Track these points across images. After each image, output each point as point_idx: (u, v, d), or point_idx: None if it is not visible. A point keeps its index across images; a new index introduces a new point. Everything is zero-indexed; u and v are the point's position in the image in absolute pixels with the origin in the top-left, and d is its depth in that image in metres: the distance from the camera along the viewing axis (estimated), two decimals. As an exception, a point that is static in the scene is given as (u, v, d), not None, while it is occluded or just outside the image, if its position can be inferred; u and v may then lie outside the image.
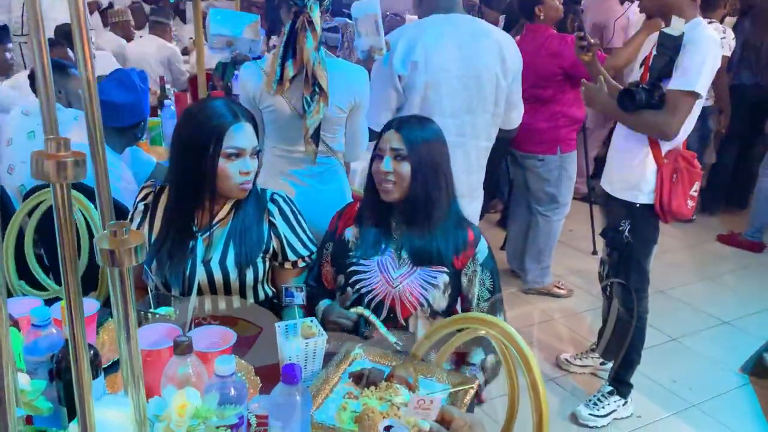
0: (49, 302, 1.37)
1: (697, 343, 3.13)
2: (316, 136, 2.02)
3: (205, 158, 1.58)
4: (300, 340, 1.39)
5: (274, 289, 1.79)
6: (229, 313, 1.64)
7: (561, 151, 3.30)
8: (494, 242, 3.65)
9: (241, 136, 1.61)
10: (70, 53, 3.61)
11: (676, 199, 2.22)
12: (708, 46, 2.09)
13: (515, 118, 2.45)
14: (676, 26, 2.09)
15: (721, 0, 4.02)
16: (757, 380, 2.83)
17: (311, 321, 1.46)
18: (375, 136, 2.15)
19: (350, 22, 3.33)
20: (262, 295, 1.75)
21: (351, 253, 1.73)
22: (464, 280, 1.70)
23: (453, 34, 2.23)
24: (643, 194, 2.27)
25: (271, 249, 1.72)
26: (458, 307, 1.77)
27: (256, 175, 1.69)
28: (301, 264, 1.76)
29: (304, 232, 1.76)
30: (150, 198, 1.74)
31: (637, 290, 2.43)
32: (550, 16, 3.21)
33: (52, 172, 0.60)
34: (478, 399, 1.64)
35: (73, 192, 0.64)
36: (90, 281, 1.87)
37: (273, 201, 1.73)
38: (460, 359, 1.69)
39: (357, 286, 1.69)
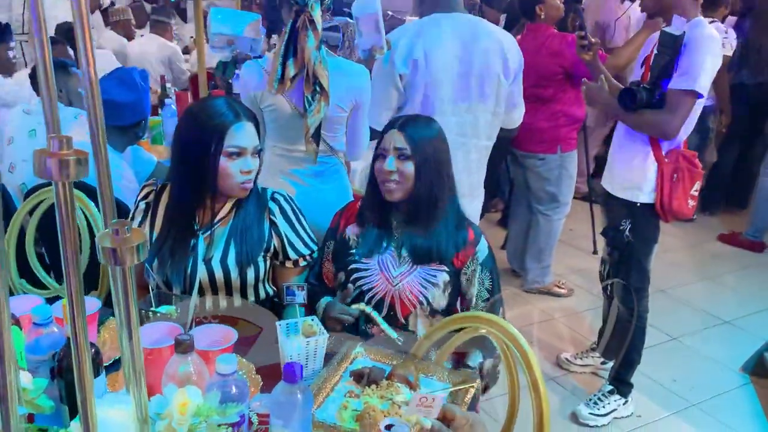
0: (49, 301, 1.38)
1: (697, 343, 3.13)
2: (317, 136, 2.02)
3: (206, 157, 1.59)
4: (301, 339, 1.40)
5: (275, 288, 1.79)
6: (229, 312, 1.63)
7: (561, 151, 3.30)
8: (495, 241, 3.66)
9: (242, 135, 1.61)
10: (70, 52, 3.62)
11: (676, 198, 2.22)
12: (709, 46, 2.09)
13: (516, 117, 2.45)
14: (677, 25, 2.09)
15: (723, -1, 4.02)
16: (758, 380, 2.83)
17: (312, 320, 1.46)
18: (376, 135, 2.15)
19: (351, 21, 3.33)
20: (263, 294, 1.75)
21: (352, 251, 1.73)
22: (464, 279, 1.70)
23: (454, 33, 2.23)
24: (644, 193, 2.27)
25: (272, 248, 1.72)
26: (459, 306, 1.77)
27: (257, 174, 1.69)
28: (302, 263, 1.76)
29: (305, 231, 1.76)
30: (151, 197, 1.75)
31: (637, 289, 2.43)
32: (551, 16, 3.21)
33: (55, 171, 0.60)
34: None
35: (74, 190, 0.64)
36: (90, 280, 1.87)
37: (274, 200, 1.73)
38: (458, 361, 1.69)
39: (357, 284, 1.70)
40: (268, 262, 1.73)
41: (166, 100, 3.55)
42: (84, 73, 0.63)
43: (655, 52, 2.16)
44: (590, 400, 2.56)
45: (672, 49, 2.09)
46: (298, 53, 1.95)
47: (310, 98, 1.96)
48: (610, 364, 2.70)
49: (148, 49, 4.82)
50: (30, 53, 4.62)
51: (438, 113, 2.17)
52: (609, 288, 2.57)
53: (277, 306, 1.79)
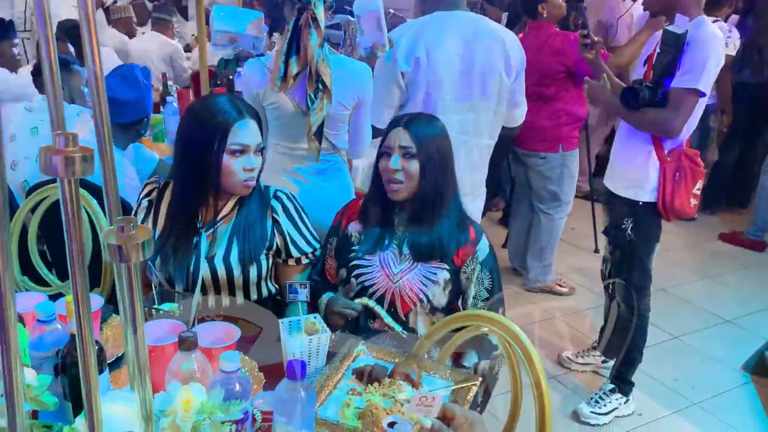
0: (51, 298, 1.38)
1: (698, 342, 3.13)
2: (319, 134, 2.02)
3: (209, 155, 1.59)
4: (303, 337, 1.40)
5: (277, 286, 1.79)
6: (230, 312, 1.64)
7: (563, 149, 3.30)
8: (496, 240, 3.66)
9: (245, 132, 1.61)
10: (71, 49, 3.62)
11: (679, 197, 2.22)
12: (712, 44, 2.09)
13: (518, 115, 2.45)
14: (680, 24, 2.09)
15: (727, -1, 4.02)
16: (759, 379, 2.83)
17: (315, 317, 1.46)
18: (378, 133, 2.15)
19: (352, 19, 3.33)
20: (265, 292, 1.75)
21: (354, 248, 1.74)
22: (463, 277, 1.71)
23: (456, 31, 2.23)
24: (646, 192, 2.27)
25: (275, 246, 1.72)
26: (460, 304, 1.77)
27: (260, 172, 1.69)
28: (304, 261, 1.76)
29: (308, 229, 1.76)
30: (154, 194, 1.75)
31: (639, 288, 2.43)
32: (553, 14, 3.21)
33: (61, 168, 0.60)
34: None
35: (77, 187, 0.64)
36: (92, 277, 1.88)
37: (276, 198, 1.73)
38: (456, 361, 1.70)
39: (359, 280, 1.70)
40: (270, 260, 1.73)
41: (168, 98, 3.55)
42: (90, 71, 0.63)
43: (658, 50, 2.16)
44: (591, 398, 2.57)
45: (675, 48, 2.09)
46: (300, 51, 1.95)
47: (312, 96, 1.96)
48: (611, 362, 2.70)
49: (150, 47, 4.82)
50: (32, 50, 4.62)
51: (440, 111, 2.17)
52: (610, 287, 2.57)
53: (279, 304, 1.80)
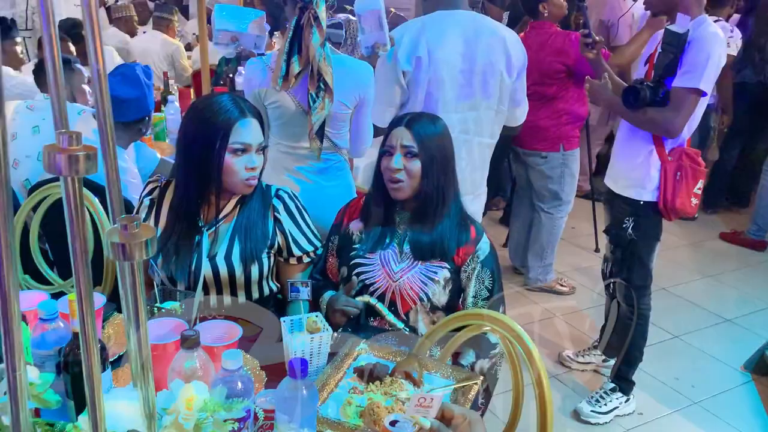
0: (53, 297, 1.38)
1: (699, 341, 3.13)
2: (320, 133, 2.02)
3: (211, 153, 1.59)
4: (305, 336, 1.40)
5: (278, 285, 1.80)
6: (230, 312, 1.64)
7: (564, 149, 3.30)
8: (496, 239, 3.67)
9: (247, 131, 1.61)
10: (72, 48, 3.62)
11: (680, 196, 2.22)
12: (713, 44, 2.09)
13: (519, 115, 2.45)
14: (681, 23, 2.09)
15: (728, -2, 4.02)
16: (759, 378, 2.83)
17: (316, 316, 1.47)
18: (378, 132, 2.15)
19: (353, 18, 3.33)
20: (267, 291, 1.75)
21: (355, 246, 1.74)
22: (464, 276, 1.71)
23: (457, 30, 2.23)
24: (647, 192, 2.27)
25: (276, 244, 1.72)
26: (461, 304, 1.77)
27: (262, 171, 1.69)
28: (305, 259, 1.76)
29: (309, 228, 1.77)
30: (156, 193, 1.75)
31: (639, 287, 2.43)
32: (554, 14, 3.21)
33: (64, 166, 0.60)
34: None
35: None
36: (93, 276, 1.87)
37: (278, 197, 1.73)
38: (453, 359, 1.70)
39: (360, 278, 1.71)
40: (272, 259, 1.73)
41: (169, 97, 3.56)
42: (93, 70, 0.63)
43: (659, 50, 2.16)
44: (592, 397, 2.57)
45: (676, 47, 2.09)
46: (302, 50, 1.95)
47: (314, 95, 1.96)
48: (612, 361, 2.70)
49: (151, 46, 4.82)
50: (33, 49, 4.63)
51: (441, 110, 2.17)
52: (611, 286, 2.57)
53: (281, 302, 1.80)
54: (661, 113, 2.15)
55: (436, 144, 1.67)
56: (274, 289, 1.78)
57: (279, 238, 1.72)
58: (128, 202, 2.00)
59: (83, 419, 0.93)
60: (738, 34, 4.06)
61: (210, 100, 1.67)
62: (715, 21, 2.55)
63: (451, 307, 1.72)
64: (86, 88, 2.78)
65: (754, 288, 3.71)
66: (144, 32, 5.29)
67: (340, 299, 1.66)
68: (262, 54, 2.26)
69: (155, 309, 1.49)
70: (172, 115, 3.43)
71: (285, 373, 1.11)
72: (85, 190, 1.85)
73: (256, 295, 1.73)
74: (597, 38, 2.42)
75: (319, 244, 1.79)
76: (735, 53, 4.08)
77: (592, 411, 2.53)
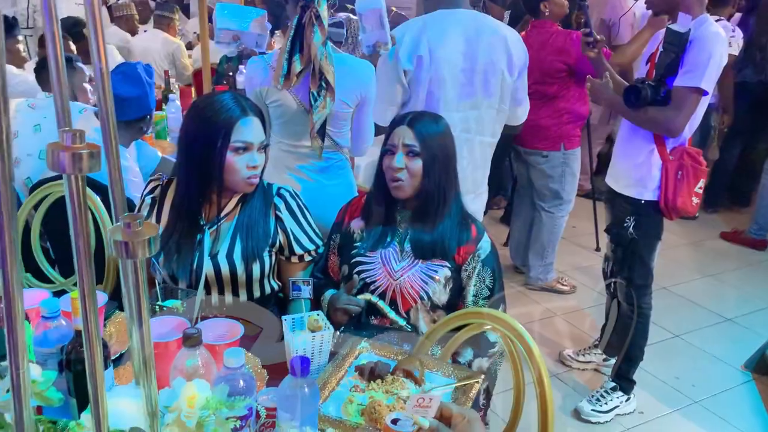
0: (55, 295, 1.38)
1: (699, 340, 3.13)
2: (322, 131, 2.03)
3: (212, 152, 1.59)
4: (307, 334, 1.40)
5: (280, 283, 1.80)
6: (231, 312, 1.64)
7: (565, 148, 3.30)
8: (497, 238, 3.67)
9: (249, 130, 1.62)
10: (72, 47, 3.63)
11: (681, 196, 2.22)
12: (714, 43, 2.08)
13: (521, 114, 2.45)
14: (683, 23, 2.09)
15: (730, -2, 4.02)
16: (760, 377, 2.83)
17: (318, 314, 1.47)
18: (380, 130, 2.15)
19: (354, 17, 3.33)
20: (268, 289, 1.76)
21: (356, 245, 1.74)
22: (464, 275, 1.71)
23: (458, 29, 2.23)
24: (648, 191, 2.28)
25: (278, 243, 1.73)
26: (462, 302, 1.77)
27: (263, 170, 1.69)
28: (307, 258, 1.76)
29: (311, 226, 1.77)
30: (157, 191, 1.75)
31: (640, 287, 2.43)
32: (555, 13, 3.21)
33: (68, 164, 0.60)
34: None
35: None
36: (95, 274, 1.88)
37: (279, 195, 1.74)
38: (452, 358, 1.70)
39: (360, 277, 1.71)
40: (273, 257, 1.73)
41: (170, 96, 3.56)
42: (96, 69, 0.63)
43: (661, 49, 2.16)
44: (592, 396, 2.57)
45: (677, 47, 2.09)
46: (304, 49, 1.95)
47: (315, 94, 1.96)
48: (612, 361, 2.70)
49: (152, 45, 4.82)
50: (34, 47, 4.63)
51: (442, 109, 2.17)
52: (612, 285, 2.57)
53: (282, 301, 1.80)
54: (663, 112, 2.15)
55: (438, 143, 1.67)
56: (276, 287, 1.79)
57: (280, 237, 1.72)
58: (130, 200, 2.01)
59: (86, 417, 0.93)
60: (739, 33, 4.05)
61: (211, 99, 1.67)
62: (717, 20, 2.55)
63: (451, 305, 1.72)
64: (87, 86, 2.79)
65: (755, 287, 3.71)
66: (145, 31, 5.29)
67: (342, 298, 1.66)
68: (264, 53, 2.26)
69: (157, 307, 1.50)
70: (173, 114, 3.43)
71: (287, 371, 1.11)
72: (87, 189, 1.85)
73: (257, 293, 1.74)
74: (598, 37, 2.42)
75: (320, 243, 1.79)
76: (736, 53, 4.08)
77: (592, 410, 2.53)
